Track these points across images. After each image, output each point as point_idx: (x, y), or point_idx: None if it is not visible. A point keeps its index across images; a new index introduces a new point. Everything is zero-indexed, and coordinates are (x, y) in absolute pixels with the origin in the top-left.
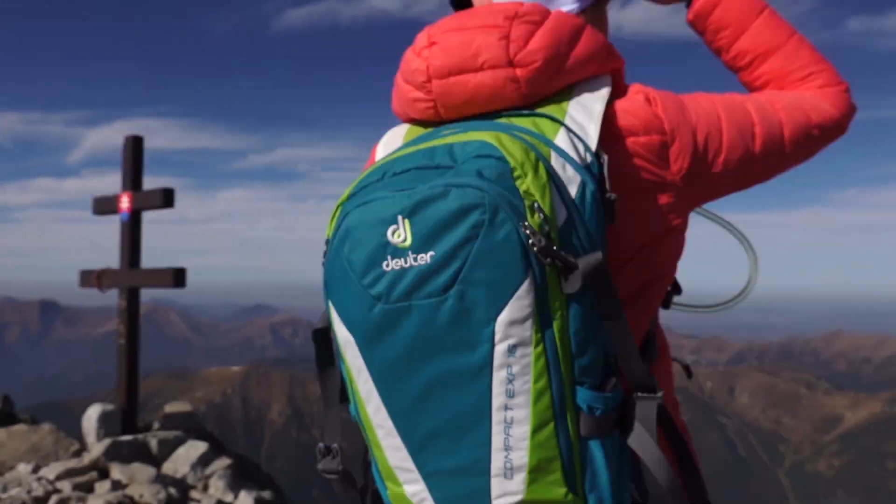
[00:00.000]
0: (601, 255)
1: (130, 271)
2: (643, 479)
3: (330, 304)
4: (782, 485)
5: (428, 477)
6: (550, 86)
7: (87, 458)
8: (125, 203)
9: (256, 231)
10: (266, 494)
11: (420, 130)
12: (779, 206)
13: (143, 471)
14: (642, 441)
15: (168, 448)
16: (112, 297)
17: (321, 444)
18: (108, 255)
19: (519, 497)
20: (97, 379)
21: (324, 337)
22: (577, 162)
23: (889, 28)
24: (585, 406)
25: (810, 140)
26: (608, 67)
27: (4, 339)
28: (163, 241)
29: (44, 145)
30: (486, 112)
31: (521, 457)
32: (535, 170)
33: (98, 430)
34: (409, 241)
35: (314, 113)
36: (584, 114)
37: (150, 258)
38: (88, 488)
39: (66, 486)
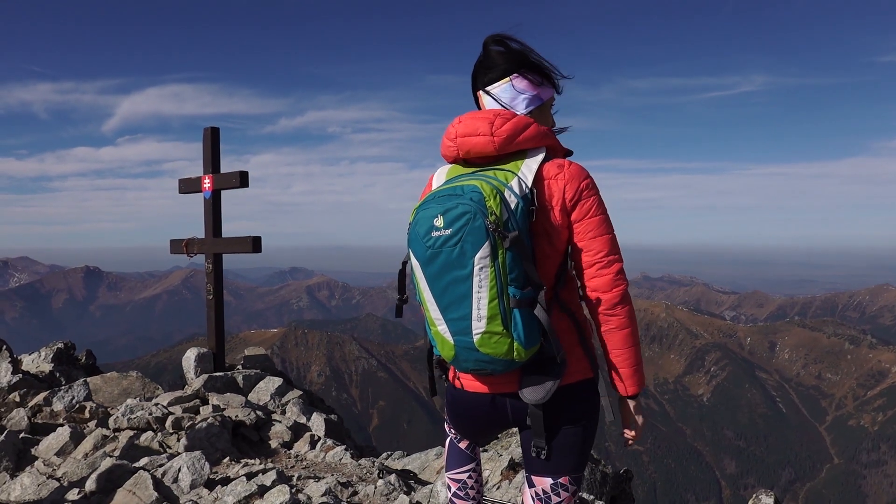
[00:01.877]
0: (517, 233)
1: (214, 240)
2: (546, 332)
3: (409, 251)
4: (824, 439)
5: (448, 321)
6: (510, 148)
7: (189, 390)
8: (207, 184)
9: (288, 195)
10: (333, 417)
11: (452, 171)
12: (821, 157)
13: (235, 398)
14: (538, 313)
15: (251, 382)
16: (152, 264)
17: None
18: (149, 221)
19: (482, 328)
20: (140, 344)
21: (405, 265)
22: (518, 193)
23: None
24: (512, 294)
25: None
26: (544, 143)
27: (52, 306)
28: (196, 209)
29: (79, 114)
30: (480, 157)
31: (484, 313)
32: (495, 197)
33: (195, 367)
34: (442, 224)
35: (343, 74)
36: (527, 169)
37: (191, 228)
38: (195, 411)
39: (177, 410)
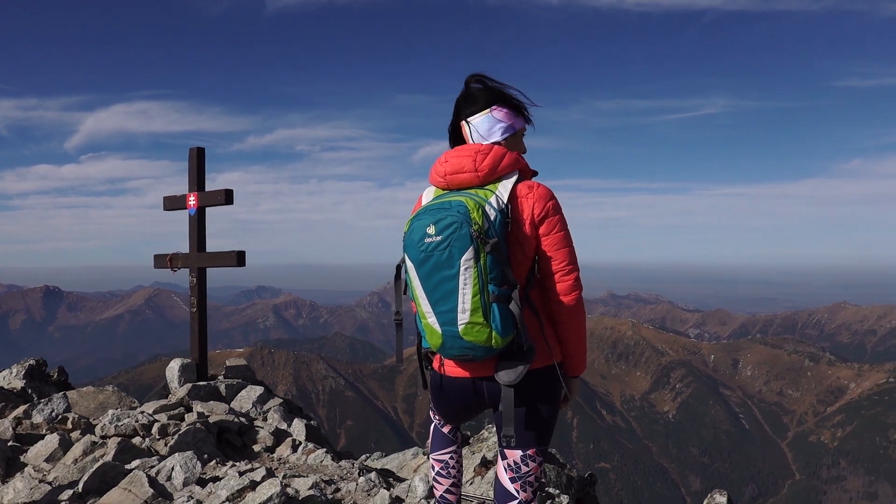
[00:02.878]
0: (497, 239)
1: (199, 254)
2: (518, 324)
3: (405, 254)
4: (786, 455)
5: (437, 314)
6: (492, 179)
7: (173, 398)
8: (192, 201)
9: (256, 213)
10: (313, 423)
11: (439, 190)
12: (783, 178)
13: (218, 406)
14: (513, 307)
15: (233, 391)
16: (114, 284)
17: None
18: (112, 240)
19: (466, 319)
20: (102, 365)
21: (400, 267)
22: (496, 207)
23: None
24: (491, 291)
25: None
26: (517, 167)
27: (9, 327)
28: (163, 227)
29: (41, 131)
30: (466, 187)
31: (468, 306)
32: (478, 210)
33: (179, 377)
34: (434, 232)
35: (313, 93)
36: (503, 188)
37: (156, 246)
38: (180, 418)
39: (163, 417)
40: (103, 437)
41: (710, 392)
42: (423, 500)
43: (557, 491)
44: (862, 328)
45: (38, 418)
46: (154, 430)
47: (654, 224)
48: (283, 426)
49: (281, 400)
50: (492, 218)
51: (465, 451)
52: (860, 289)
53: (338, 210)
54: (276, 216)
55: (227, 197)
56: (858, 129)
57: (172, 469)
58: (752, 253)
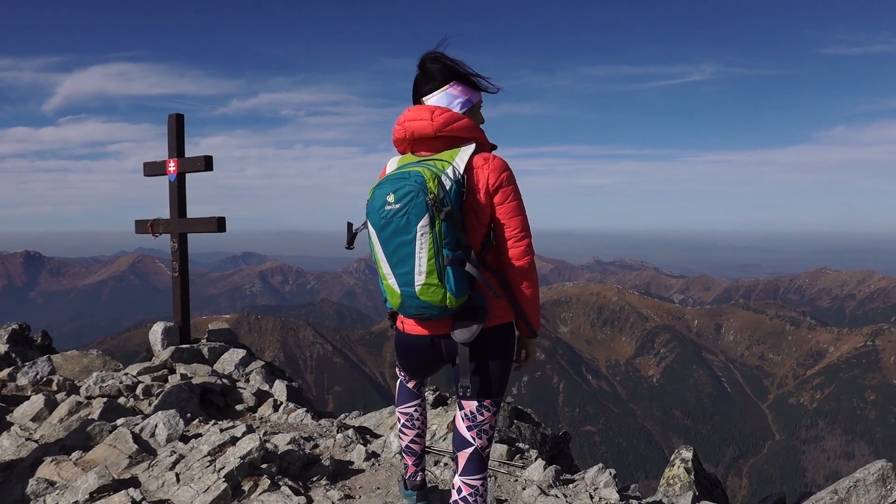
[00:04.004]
0: (450, 208)
1: (179, 220)
2: (472, 287)
3: (367, 220)
4: (766, 417)
5: (396, 276)
6: (444, 132)
7: (157, 361)
8: (172, 167)
9: (241, 178)
10: (294, 384)
11: (402, 160)
12: (767, 145)
13: (201, 368)
14: (468, 269)
15: (216, 354)
16: (97, 249)
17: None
18: (93, 205)
19: (422, 281)
20: (86, 331)
21: (351, 224)
22: (452, 178)
23: None
24: (446, 254)
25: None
26: (473, 135)
27: None
28: (146, 192)
29: (17, 93)
30: (422, 137)
31: (424, 269)
32: (433, 180)
33: (162, 340)
34: (393, 200)
35: (297, 56)
36: (460, 159)
37: (139, 211)
38: (164, 380)
39: (146, 379)
40: (88, 398)
41: (693, 356)
42: (397, 455)
43: (527, 446)
44: (842, 293)
45: (22, 381)
46: (138, 390)
47: (641, 191)
48: (265, 387)
49: (263, 362)
50: (447, 187)
51: (439, 409)
52: (841, 254)
53: (324, 176)
54: (261, 181)
55: (206, 163)
56: (842, 97)
57: (156, 426)
58: (737, 219)
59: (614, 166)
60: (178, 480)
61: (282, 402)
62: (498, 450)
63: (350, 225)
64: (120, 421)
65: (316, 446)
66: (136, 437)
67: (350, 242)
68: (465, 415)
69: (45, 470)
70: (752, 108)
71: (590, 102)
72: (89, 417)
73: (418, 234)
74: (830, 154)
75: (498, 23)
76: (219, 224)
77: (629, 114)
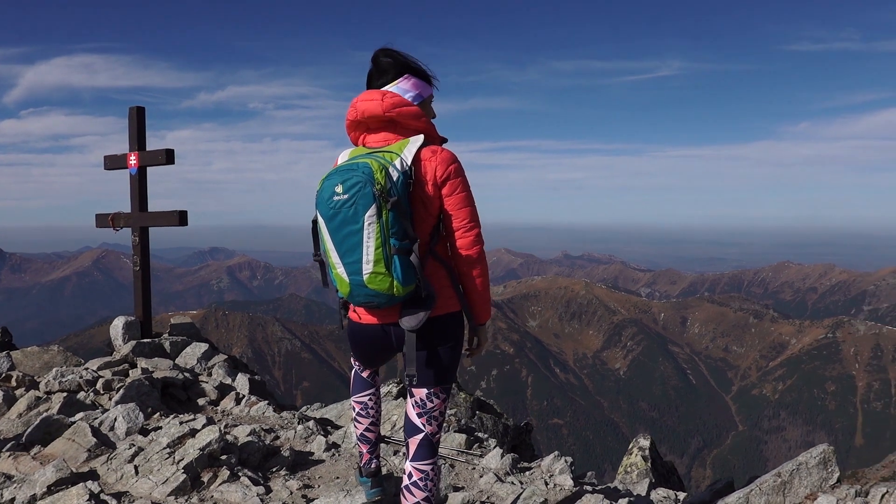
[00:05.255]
0: (397, 198)
1: (141, 214)
2: (419, 276)
3: (317, 211)
4: (730, 408)
5: (345, 265)
6: (392, 113)
7: (118, 355)
8: (133, 160)
9: (209, 173)
10: (257, 378)
11: (353, 153)
12: (733, 140)
13: (163, 362)
14: (413, 259)
15: (178, 348)
16: (60, 245)
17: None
18: (56, 199)
19: (370, 270)
20: (48, 328)
21: (315, 221)
22: (399, 169)
23: None
24: (392, 244)
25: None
26: (420, 123)
27: None
28: (111, 186)
29: None
30: (372, 117)
31: (371, 258)
32: (381, 171)
33: (123, 335)
34: (341, 191)
35: (266, 49)
36: (408, 151)
37: (103, 205)
38: (125, 374)
39: (107, 373)
40: (48, 393)
41: (659, 349)
42: (356, 445)
43: (486, 436)
44: (804, 286)
45: None
46: (98, 385)
47: (609, 185)
48: (228, 381)
49: (225, 356)
50: (394, 178)
51: (400, 400)
52: (803, 248)
53: (292, 170)
54: (229, 175)
55: (168, 156)
56: (807, 93)
57: (115, 420)
58: (703, 213)
59: (583, 161)
60: (136, 473)
61: (244, 396)
62: (457, 439)
63: (314, 229)
64: (79, 415)
65: (277, 438)
66: (96, 431)
67: (316, 248)
68: (416, 402)
69: (3, 464)
70: (719, 104)
71: (559, 97)
72: (48, 412)
73: (366, 223)
74: (795, 149)
75: (468, 15)
76: (181, 218)
77: (598, 108)
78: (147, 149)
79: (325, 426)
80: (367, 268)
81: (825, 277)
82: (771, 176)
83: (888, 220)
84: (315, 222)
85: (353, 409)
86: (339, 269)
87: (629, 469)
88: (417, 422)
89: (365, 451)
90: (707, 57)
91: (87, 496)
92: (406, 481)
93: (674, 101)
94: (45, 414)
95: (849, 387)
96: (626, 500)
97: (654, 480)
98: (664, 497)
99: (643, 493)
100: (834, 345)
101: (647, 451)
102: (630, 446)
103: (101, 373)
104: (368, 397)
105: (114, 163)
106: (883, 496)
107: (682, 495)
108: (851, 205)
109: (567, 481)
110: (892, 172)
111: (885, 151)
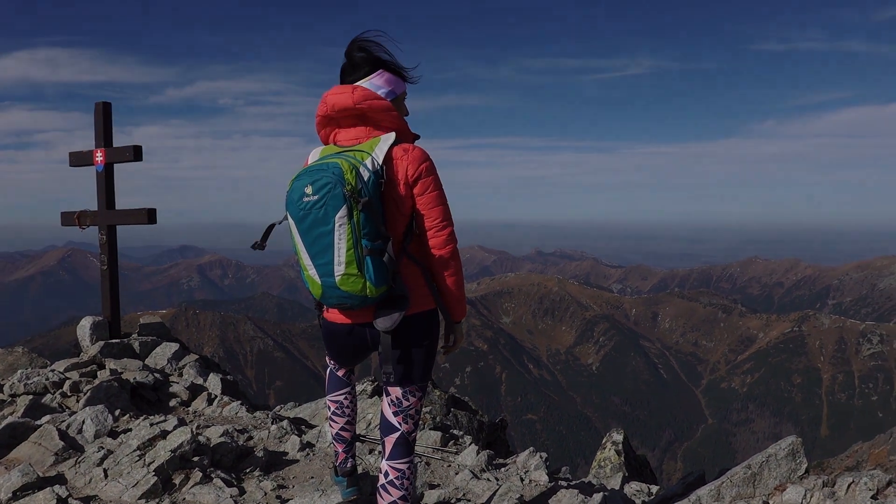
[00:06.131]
0: (369, 198)
1: (108, 212)
2: (392, 276)
3: (287, 212)
4: (699, 401)
5: (316, 266)
6: (363, 105)
7: (85, 356)
8: (99, 157)
9: (177, 169)
10: (229, 377)
11: (323, 152)
12: (702, 138)
13: (132, 363)
14: (386, 259)
15: (148, 348)
16: (24, 243)
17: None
18: (19, 197)
19: (342, 271)
20: (12, 330)
21: (279, 223)
22: (370, 169)
23: None
24: (364, 245)
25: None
26: (391, 116)
27: None
28: (76, 183)
29: None
30: (342, 110)
31: (343, 259)
32: (351, 171)
33: (91, 335)
34: (311, 191)
35: (235, 43)
36: (380, 150)
37: (69, 203)
38: (93, 376)
39: (74, 375)
40: (12, 396)
41: (631, 344)
42: (331, 444)
43: (461, 433)
44: (770, 281)
45: None
46: (65, 387)
47: (581, 182)
48: (199, 381)
49: (196, 356)
50: (365, 178)
51: (374, 398)
52: (770, 244)
53: (263, 167)
54: (198, 173)
55: (135, 153)
56: (773, 91)
57: (83, 422)
58: (673, 210)
59: (555, 158)
60: (106, 476)
61: (216, 396)
62: (432, 437)
63: (271, 226)
64: (45, 418)
65: (250, 438)
66: (63, 434)
67: (263, 240)
68: (392, 401)
69: None
70: (687, 102)
71: (531, 94)
72: (13, 416)
73: (336, 224)
74: (761, 147)
75: (439, 12)
76: (149, 215)
77: (570, 106)
78: (114, 145)
79: (300, 426)
80: (339, 269)
81: (791, 272)
82: (738, 173)
83: (852, 215)
84: (280, 222)
85: (329, 408)
86: (310, 272)
87: (603, 463)
88: (393, 420)
89: (340, 450)
90: (676, 56)
91: (55, 501)
92: (382, 480)
93: (644, 99)
94: (9, 418)
95: (814, 379)
96: (601, 494)
97: (627, 474)
98: (637, 491)
99: (617, 487)
100: (800, 338)
101: (620, 446)
102: (604, 441)
103: (68, 374)
104: (344, 396)
105: (79, 160)
106: (849, 486)
107: (654, 489)
108: (816, 201)
109: (542, 477)
110: (855, 169)
111: (848, 149)
